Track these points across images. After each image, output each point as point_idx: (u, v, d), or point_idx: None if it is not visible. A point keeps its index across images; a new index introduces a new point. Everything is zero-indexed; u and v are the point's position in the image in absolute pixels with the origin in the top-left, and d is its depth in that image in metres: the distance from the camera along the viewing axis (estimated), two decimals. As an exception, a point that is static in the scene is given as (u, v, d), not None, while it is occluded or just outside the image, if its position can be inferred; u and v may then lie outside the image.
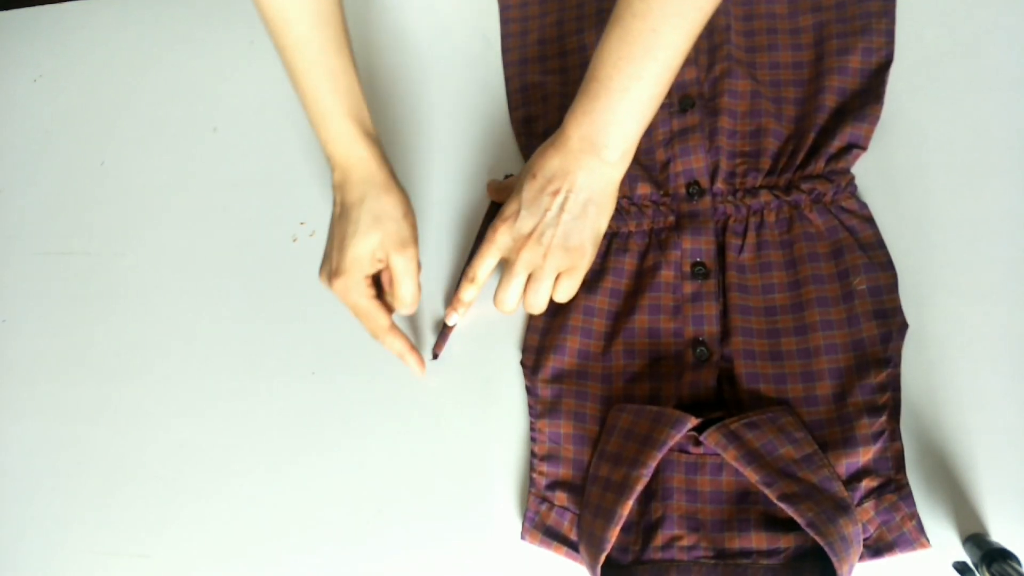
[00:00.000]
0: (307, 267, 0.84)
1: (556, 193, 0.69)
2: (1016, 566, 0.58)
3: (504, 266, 0.73)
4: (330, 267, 0.74)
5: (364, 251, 0.72)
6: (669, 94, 0.78)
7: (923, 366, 0.67)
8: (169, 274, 0.89)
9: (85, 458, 0.82)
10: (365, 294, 0.73)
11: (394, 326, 0.75)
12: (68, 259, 0.93)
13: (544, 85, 0.85)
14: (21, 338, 0.90)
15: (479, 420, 0.75)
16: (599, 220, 0.70)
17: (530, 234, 0.70)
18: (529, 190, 0.70)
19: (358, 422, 0.77)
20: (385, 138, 0.83)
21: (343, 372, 0.79)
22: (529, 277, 0.72)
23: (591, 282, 0.75)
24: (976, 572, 0.60)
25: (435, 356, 0.78)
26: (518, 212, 0.70)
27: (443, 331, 0.77)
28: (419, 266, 0.75)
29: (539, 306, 0.72)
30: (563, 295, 0.72)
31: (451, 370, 0.77)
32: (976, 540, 0.62)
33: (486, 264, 0.73)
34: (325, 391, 0.79)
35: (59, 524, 0.80)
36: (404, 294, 0.74)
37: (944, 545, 0.63)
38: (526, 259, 0.70)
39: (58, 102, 1.02)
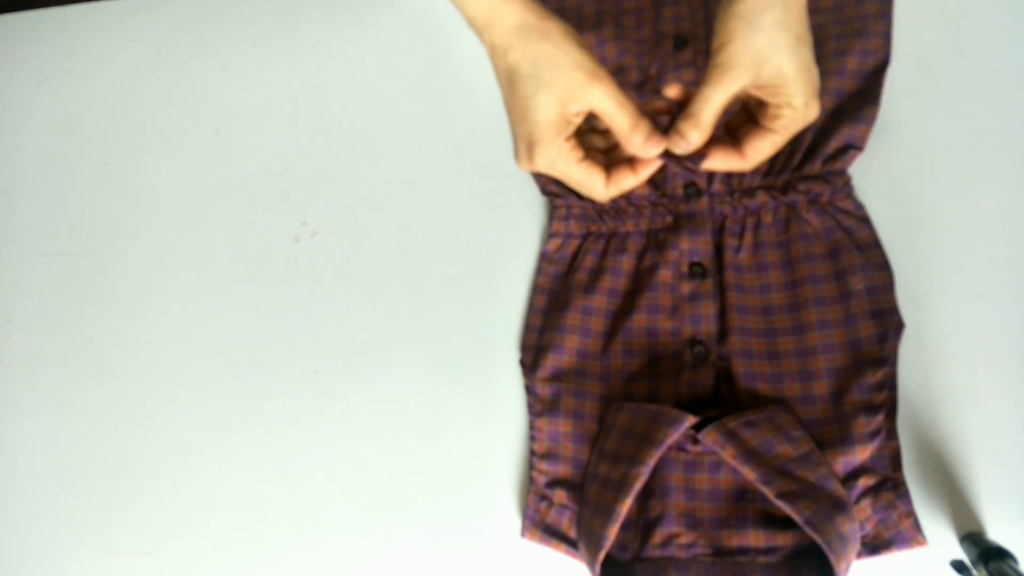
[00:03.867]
0: (309, 267, 0.85)
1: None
2: (1013, 564, 0.58)
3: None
4: (523, 146, 0.63)
5: (553, 108, 0.61)
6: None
7: (920, 365, 0.68)
8: (171, 275, 0.89)
9: (87, 457, 0.82)
10: (572, 159, 0.63)
11: (611, 175, 0.65)
12: (71, 260, 0.93)
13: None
14: (24, 338, 0.90)
15: (479, 419, 0.75)
16: None
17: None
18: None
19: (359, 421, 0.77)
20: (381, 131, 0.84)
21: (344, 372, 0.80)
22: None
23: (589, 282, 0.75)
24: (973, 571, 0.60)
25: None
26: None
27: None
28: (624, 95, 0.62)
29: None
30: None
31: (451, 369, 0.78)
32: (973, 539, 0.62)
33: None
34: (326, 391, 0.79)
35: (61, 523, 0.80)
36: (625, 124, 0.61)
37: (941, 544, 0.63)
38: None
39: (62, 105, 1.02)
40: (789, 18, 0.58)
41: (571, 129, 0.62)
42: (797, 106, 0.60)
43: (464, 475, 0.73)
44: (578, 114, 0.62)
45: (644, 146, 0.62)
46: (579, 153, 0.64)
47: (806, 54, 0.59)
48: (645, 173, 0.65)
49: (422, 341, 0.79)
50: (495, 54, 0.64)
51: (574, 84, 0.60)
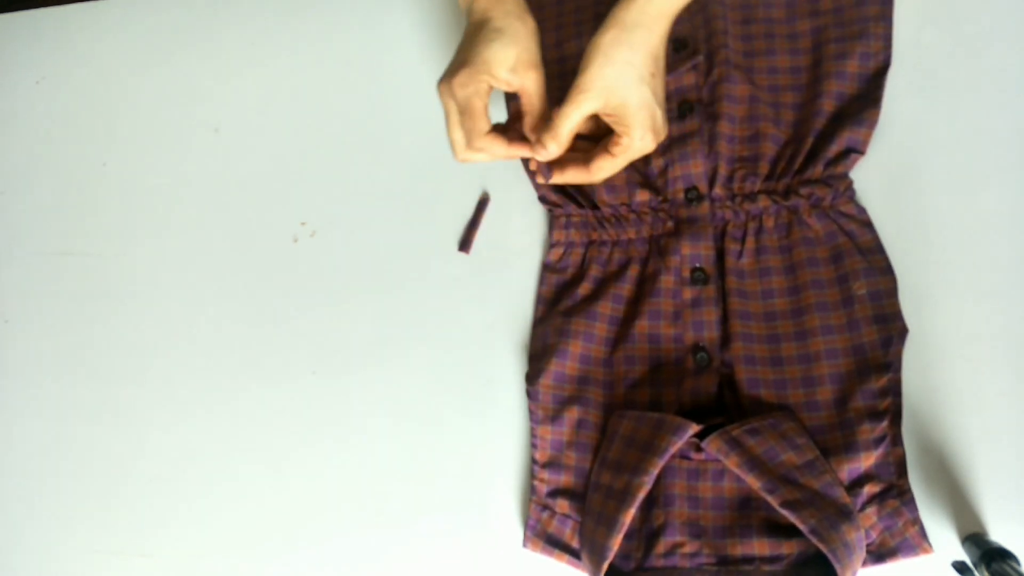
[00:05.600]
0: (308, 267, 0.85)
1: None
2: (1015, 565, 0.58)
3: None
4: (454, 66, 0.70)
5: (500, 57, 0.69)
6: (668, 99, 0.78)
7: (922, 367, 0.68)
8: (170, 274, 0.89)
9: (86, 458, 0.82)
10: (481, 95, 0.70)
11: (492, 132, 0.72)
12: (70, 259, 0.93)
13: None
14: (22, 338, 0.90)
15: (480, 423, 0.75)
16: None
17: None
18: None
19: (358, 423, 0.77)
20: (381, 131, 0.84)
21: (343, 372, 0.80)
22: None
23: (594, 290, 0.75)
24: (975, 571, 0.60)
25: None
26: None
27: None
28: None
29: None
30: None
31: (451, 370, 0.77)
32: (975, 540, 0.62)
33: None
34: (325, 391, 0.79)
35: (60, 524, 0.80)
36: (538, 110, 0.71)
37: (943, 545, 0.63)
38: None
39: (60, 104, 1.02)
40: (636, 58, 0.67)
41: (495, 82, 0.70)
42: (633, 137, 0.68)
43: (465, 484, 0.73)
44: (508, 84, 0.70)
45: (543, 137, 0.70)
46: (486, 100, 0.71)
47: (646, 93, 0.67)
48: (515, 151, 0.72)
49: (421, 342, 0.79)
50: (476, 5, 0.72)
51: (522, 60, 0.69)
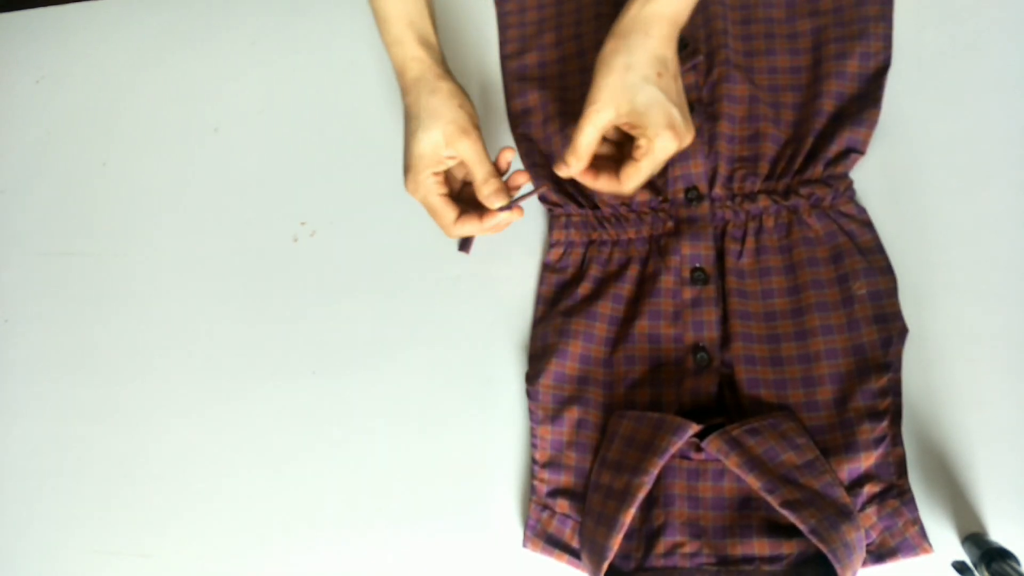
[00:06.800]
0: (308, 267, 0.85)
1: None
2: (1015, 565, 0.58)
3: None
4: (405, 170, 0.74)
5: (427, 146, 0.72)
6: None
7: (922, 366, 0.68)
8: (170, 274, 0.89)
9: (86, 458, 0.82)
10: (434, 191, 0.73)
11: (461, 216, 0.75)
12: (69, 259, 0.93)
13: (543, 91, 0.85)
14: (22, 338, 0.90)
15: (480, 423, 0.75)
16: None
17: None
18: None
19: (358, 423, 0.77)
20: (381, 131, 0.85)
21: (343, 372, 0.80)
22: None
23: (594, 289, 0.75)
24: (975, 571, 0.60)
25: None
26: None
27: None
28: (487, 153, 0.74)
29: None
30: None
31: (451, 370, 0.77)
32: (975, 539, 0.62)
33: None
34: (325, 391, 0.79)
35: (60, 524, 0.80)
36: (479, 176, 0.73)
37: (943, 545, 0.63)
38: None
39: (60, 103, 1.02)
40: (634, 60, 0.67)
41: (441, 167, 0.73)
42: (651, 137, 0.67)
43: (465, 484, 0.73)
44: (450, 157, 0.73)
45: (489, 197, 0.73)
46: (442, 189, 0.74)
47: (654, 92, 0.67)
48: (489, 223, 0.74)
49: (421, 342, 0.79)
50: (403, 95, 0.75)
51: (448, 134, 0.72)
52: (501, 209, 0.73)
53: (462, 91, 0.75)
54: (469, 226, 0.74)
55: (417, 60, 0.75)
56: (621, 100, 0.67)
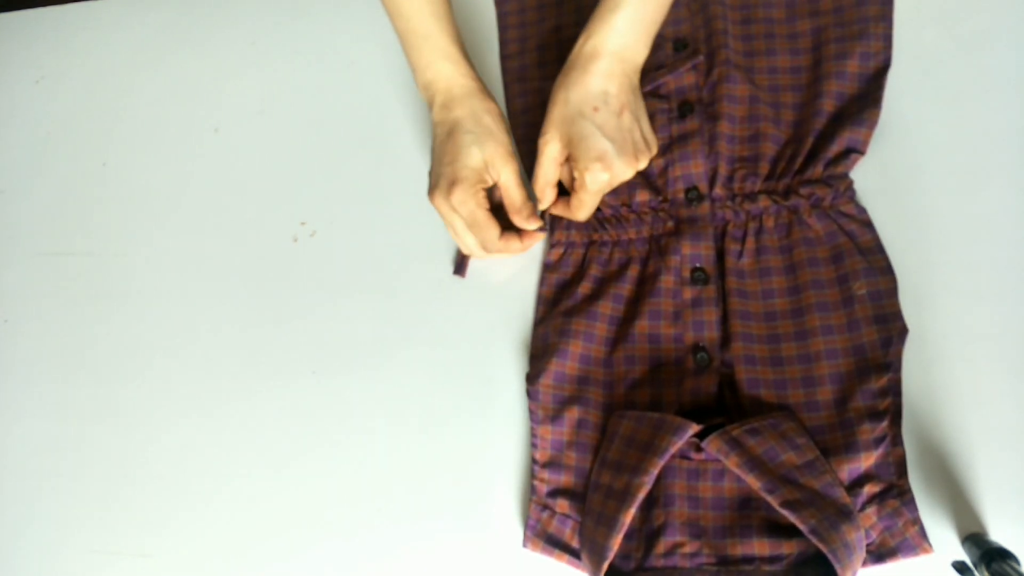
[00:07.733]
0: (307, 267, 0.85)
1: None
2: (1015, 565, 0.58)
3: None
4: (445, 181, 0.74)
5: (479, 161, 0.74)
6: (668, 99, 0.78)
7: (922, 366, 0.68)
8: (170, 274, 0.89)
9: (86, 458, 0.82)
10: (483, 204, 0.75)
11: (504, 233, 0.77)
12: (69, 259, 0.93)
13: (543, 91, 0.84)
14: (22, 338, 0.90)
15: (480, 423, 0.75)
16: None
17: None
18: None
19: (358, 423, 0.77)
20: (380, 131, 0.85)
21: (343, 372, 0.79)
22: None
23: (594, 289, 0.75)
24: (975, 571, 0.60)
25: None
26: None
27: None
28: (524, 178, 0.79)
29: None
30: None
31: (451, 370, 0.77)
32: (975, 539, 0.62)
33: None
34: (325, 391, 0.79)
35: (60, 524, 0.80)
36: (518, 199, 0.76)
37: (943, 545, 0.63)
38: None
39: (60, 103, 1.02)
40: (571, 95, 0.71)
41: (486, 184, 0.75)
42: (581, 170, 0.71)
43: (465, 483, 0.73)
44: (491, 177, 0.75)
45: (526, 221, 0.76)
46: (487, 204, 0.76)
47: (585, 127, 0.70)
48: (529, 243, 0.78)
49: (421, 342, 0.79)
50: (443, 109, 0.77)
51: (498, 155, 0.75)
52: (539, 230, 0.77)
53: (503, 114, 0.78)
54: (513, 244, 0.77)
55: (469, 77, 0.77)
56: (561, 132, 0.72)
